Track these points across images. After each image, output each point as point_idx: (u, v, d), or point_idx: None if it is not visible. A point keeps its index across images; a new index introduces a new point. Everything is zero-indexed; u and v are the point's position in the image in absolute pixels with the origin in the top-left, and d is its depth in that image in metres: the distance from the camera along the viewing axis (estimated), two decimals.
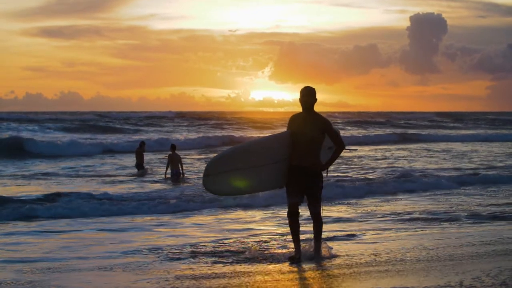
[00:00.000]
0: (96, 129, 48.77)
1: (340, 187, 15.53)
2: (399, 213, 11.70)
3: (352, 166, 22.08)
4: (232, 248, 8.19)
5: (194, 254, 7.82)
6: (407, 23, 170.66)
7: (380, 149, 32.99)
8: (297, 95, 7.21)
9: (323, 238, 7.54)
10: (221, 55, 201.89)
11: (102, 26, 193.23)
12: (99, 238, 9.40)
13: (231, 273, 6.69)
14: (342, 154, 7.93)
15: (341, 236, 9.11)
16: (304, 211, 7.56)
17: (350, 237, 9.06)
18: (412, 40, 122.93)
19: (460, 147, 34.24)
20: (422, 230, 9.72)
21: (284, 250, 7.82)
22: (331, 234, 9.10)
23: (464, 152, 30.35)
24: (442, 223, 10.53)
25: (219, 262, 7.31)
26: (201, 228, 10.37)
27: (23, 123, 52.99)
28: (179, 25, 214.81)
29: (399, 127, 62.19)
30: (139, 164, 20.43)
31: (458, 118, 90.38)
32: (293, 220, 7.18)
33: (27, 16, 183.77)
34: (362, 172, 19.93)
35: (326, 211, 12.03)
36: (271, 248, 8.07)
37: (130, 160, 23.63)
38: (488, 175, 18.53)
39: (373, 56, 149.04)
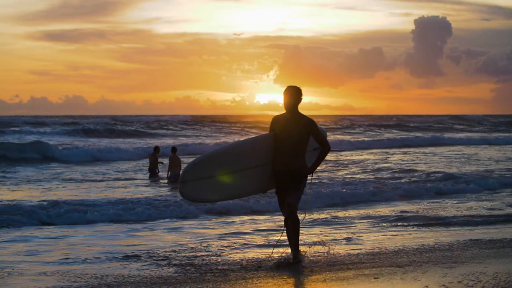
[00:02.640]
0: (111, 133, 48.87)
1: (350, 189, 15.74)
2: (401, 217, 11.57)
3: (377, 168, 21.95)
4: (190, 254, 7.99)
5: (139, 259, 7.65)
6: (411, 26, 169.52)
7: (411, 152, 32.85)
8: None
9: (319, 242, 7.36)
10: (226, 58, 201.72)
11: (107, 29, 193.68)
12: (72, 242, 9.35)
13: (163, 278, 6.51)
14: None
15: (334, 239, 8.97)
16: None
17: (347, 240, 8.96)
18: (417, 43, 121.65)
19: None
20: (417, 233, 9.69)
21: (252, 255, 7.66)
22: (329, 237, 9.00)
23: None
24: (442, 227, 10.38)
25: (166, 268, 7.12)
26: (177, 233, 10.26)
27: (36, 127, 52.88)
28: (183, 28, 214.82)
29: (429, 131, 61.47)
30: (152, 169, 20.68)
31: (476, 121, 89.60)
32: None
33: (31, 19, 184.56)
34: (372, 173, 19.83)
35: (325, 213, 12.02)
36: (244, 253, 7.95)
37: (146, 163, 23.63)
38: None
39: (378, 59, 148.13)
